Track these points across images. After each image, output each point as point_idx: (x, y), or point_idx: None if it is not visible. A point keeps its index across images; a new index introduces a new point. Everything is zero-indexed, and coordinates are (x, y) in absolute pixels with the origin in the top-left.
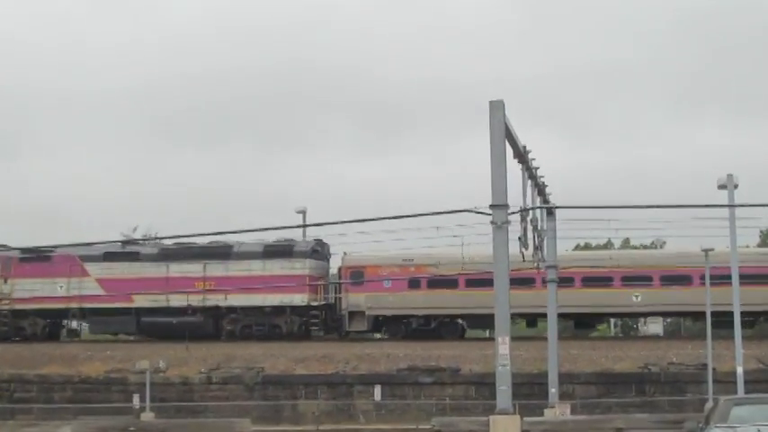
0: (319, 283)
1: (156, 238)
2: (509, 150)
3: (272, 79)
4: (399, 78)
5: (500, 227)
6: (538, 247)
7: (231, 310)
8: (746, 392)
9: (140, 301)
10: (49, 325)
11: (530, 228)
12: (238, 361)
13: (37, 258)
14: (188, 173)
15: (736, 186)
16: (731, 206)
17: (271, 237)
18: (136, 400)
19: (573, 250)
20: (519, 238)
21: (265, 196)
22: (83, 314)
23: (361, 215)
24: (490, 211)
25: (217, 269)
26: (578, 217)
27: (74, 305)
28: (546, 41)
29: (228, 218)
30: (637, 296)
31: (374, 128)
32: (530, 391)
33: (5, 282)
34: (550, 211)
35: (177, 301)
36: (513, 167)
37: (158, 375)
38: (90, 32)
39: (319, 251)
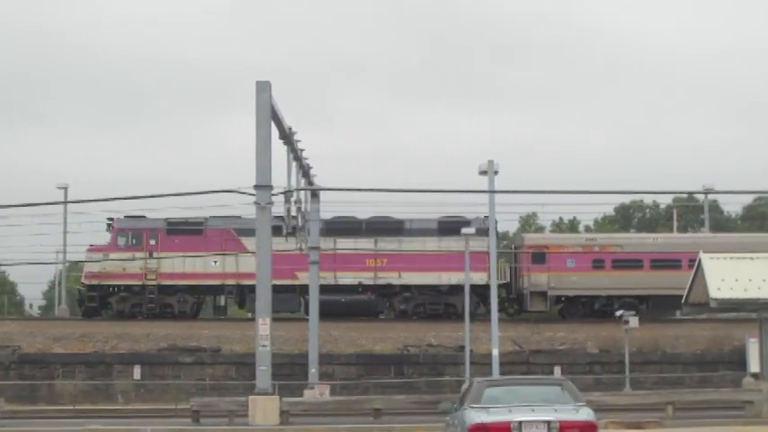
0: (501, 261)
1: None
2: (274, 131)
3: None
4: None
5: (263, 207)
6: (302, 229)
7: (405, 288)
8: (503, 373)
9: (305, 278)
10: (197, 302)
11: (293, 209)
12: None
13: (186, 231)
14: None
15: (496, 173)
16: (491, 192)
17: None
18: None
19: None
20: (282, 219)
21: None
22: (240, 291)
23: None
24: (254, 192)
25: (388, 245)
26: (344, 200)
27: (230, 281)
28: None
29: None
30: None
31: (117, 107)
32: (290, 371)
33: (151, 255)
34: (315, 193)
35: (346, 278)
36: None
37: None
38: None
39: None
